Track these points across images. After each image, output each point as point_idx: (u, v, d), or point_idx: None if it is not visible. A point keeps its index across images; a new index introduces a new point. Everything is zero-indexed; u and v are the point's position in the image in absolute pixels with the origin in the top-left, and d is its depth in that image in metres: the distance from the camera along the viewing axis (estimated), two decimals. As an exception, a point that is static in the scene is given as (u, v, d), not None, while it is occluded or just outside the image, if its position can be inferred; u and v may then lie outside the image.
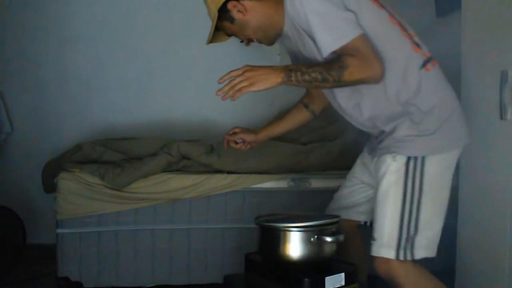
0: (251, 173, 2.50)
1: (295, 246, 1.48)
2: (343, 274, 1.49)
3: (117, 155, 2.58)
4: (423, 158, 1.57)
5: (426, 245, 1.59)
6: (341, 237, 1.49)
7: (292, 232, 1.48)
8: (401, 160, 1.58)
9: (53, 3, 3.19)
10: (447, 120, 1.61)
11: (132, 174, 2.37)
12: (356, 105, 1.70)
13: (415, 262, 1.61)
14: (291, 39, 1.69)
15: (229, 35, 1.79)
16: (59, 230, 2.37)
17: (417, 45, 1.65)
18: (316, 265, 1.50)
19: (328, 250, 1.50)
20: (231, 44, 2.00)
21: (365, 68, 1.50)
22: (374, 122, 1.69)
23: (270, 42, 1.78)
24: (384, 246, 1.58)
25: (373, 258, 1.62)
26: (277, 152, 2.57)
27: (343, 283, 1.49)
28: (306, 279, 1.43)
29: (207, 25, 1.76)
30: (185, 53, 3.24)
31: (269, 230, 1.52)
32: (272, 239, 1.51)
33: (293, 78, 1.51)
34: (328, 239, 1.47)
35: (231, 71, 1.53)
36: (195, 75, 3.22)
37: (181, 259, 2.47)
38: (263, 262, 1.57)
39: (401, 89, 1.61)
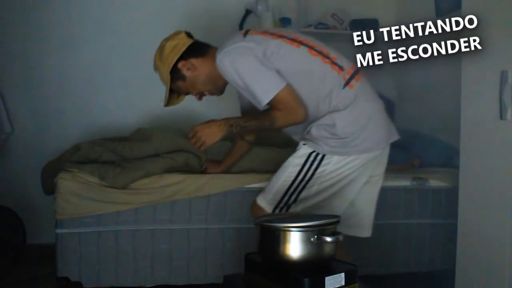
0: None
1: (295, 246, 1.48)
2: (343, 274, 1.49)
3: (115, 155, 2.57)
4: (322, 156, 1.87)
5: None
6: (341, 237, 1.49)
7: (292, 232, 1.48)
8: (306, 150, 1.90)
9: (54, 3, 3.20)
10: (357, 131, 1.85)
11: (132, 174, 2.37)
12: None
13: None
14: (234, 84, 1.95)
15: (185, 93, 2.09)
16: (59, 230, 2.37)
17: (340, 67, 1.89)
18: (316, 265, 1.50)
19: (328, 250, 1.50)
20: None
21: (291, 117, 1.86)
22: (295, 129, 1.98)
23: (220, 92, 2.08)
24: (267, 201, 1.97)
25: (253, 202, 2.01)
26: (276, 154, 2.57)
27: (343, 283, 1.49)
28: (306, 279, 1.43)
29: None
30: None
31: (269, 230, 1.52)
32: (272, 239, 1.51)
33: (234, 131, 1.89)
34: (328, 239, 1.47)
35: (189, 132, 1.90)
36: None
37: (180, 259, 2.47)
38: (263, 262, 1.57)
39: (327, 110, 1.87)
